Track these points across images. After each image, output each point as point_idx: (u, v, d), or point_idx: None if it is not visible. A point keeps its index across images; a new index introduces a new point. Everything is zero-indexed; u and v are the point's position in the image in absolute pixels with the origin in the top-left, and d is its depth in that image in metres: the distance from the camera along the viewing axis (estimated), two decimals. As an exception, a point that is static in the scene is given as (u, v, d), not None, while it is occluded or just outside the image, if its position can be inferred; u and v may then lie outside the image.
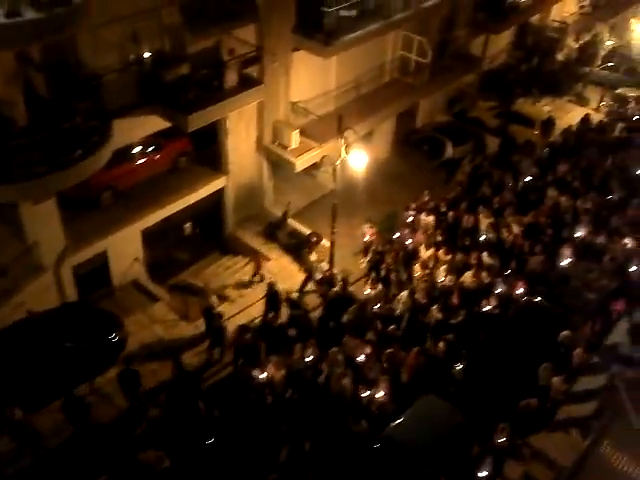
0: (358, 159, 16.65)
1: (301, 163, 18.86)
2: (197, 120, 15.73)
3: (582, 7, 31.47)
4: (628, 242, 17.44)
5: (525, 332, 14.92)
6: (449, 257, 17.71)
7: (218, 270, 19.56)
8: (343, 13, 17.96)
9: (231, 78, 16.17)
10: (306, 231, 19.81)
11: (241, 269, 19.60)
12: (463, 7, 23.42)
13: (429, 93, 23.42)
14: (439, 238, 18.51)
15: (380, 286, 17.01)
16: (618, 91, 28.77)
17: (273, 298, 16.74)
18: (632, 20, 31.74)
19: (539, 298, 16.20)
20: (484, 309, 15.80)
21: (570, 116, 27.33)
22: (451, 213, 19.18)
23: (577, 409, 8.86)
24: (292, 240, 19.88)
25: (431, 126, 25.44)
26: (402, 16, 19.27)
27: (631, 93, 28.64)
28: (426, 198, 19.96)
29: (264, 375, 14.07)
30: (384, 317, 16.05)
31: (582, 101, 29.09)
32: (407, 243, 18.50)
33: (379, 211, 20.86)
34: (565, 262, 17.11)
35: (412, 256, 18.18)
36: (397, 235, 19.00)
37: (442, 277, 17.03)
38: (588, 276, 17.21)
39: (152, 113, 15.94)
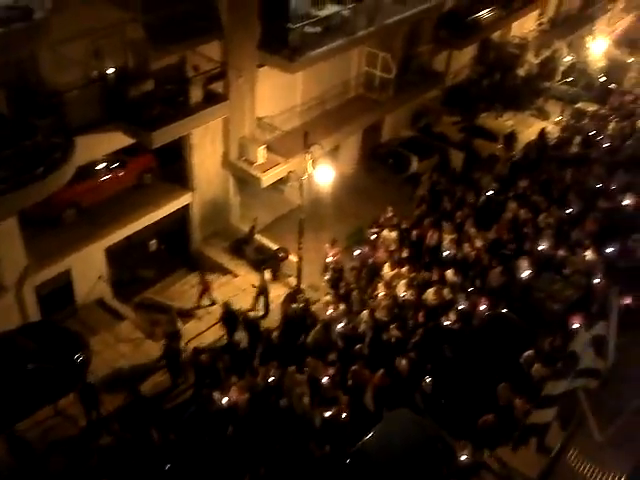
0: (324, 174, 16.73)
1: (267, 179, 18.85)
2: (161, 137, 15.65)
3: (541, 24, 32.33)
4: (588, 254, 17.74)
5: (489, 346, 14.86)
6: (412, 274, 17.55)
7: (184, 287, 19.36)
8: (308, 29, 18.11)
9: (196, 94, 16.16)
10: (273, 246, 19.78)
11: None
12: (426, 24, 23.77)
13: (394, 108, 23.67)
14: (403, 255, 18.40)
15: (342, 305, 16.69)
16: (577, 105, 29.55)
17: (230, 319, 16.41)
18: (588, 38, 32.63)
19: (504, 310, 16.37)
20: (445, 324, 15.73)
21: (532, 130, 27.91)
22: (415, 231, 19.10)
23: (539, 417, 8.94)
24: (260, 256, 19.80)
25: (397, 141, 25.68)
26: (366, 33, 19.48)
27: (589, 107, 29.45)
28: (390, 214, 19.94)
29: (226, 399, 13.65)
30: (347, 336, 15.71)
31: (543, 115, 29.77)
32: (369, 260, 18.33)
33: (346, 225, 20.98)
34: (524, 274, 17.23)
35: (374, 273, 17.99)
36: (358, 252, 18.88)
37: (403, 294, 16.82)
38: (552, 287, 17.51)
39: (116, 130, 15.82)
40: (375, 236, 19.27)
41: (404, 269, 17.69)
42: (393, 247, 18.68)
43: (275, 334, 16.24)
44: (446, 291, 16.65)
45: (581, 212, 19.73)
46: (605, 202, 20.10)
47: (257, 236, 20.22)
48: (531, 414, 9.71)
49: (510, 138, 26.10)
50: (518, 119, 28.83)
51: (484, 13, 25.78)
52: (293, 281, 19.04)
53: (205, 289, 18.09)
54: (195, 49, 16.40)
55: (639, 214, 19.67)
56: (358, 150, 24.62)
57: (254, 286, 18.29)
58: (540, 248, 18.19)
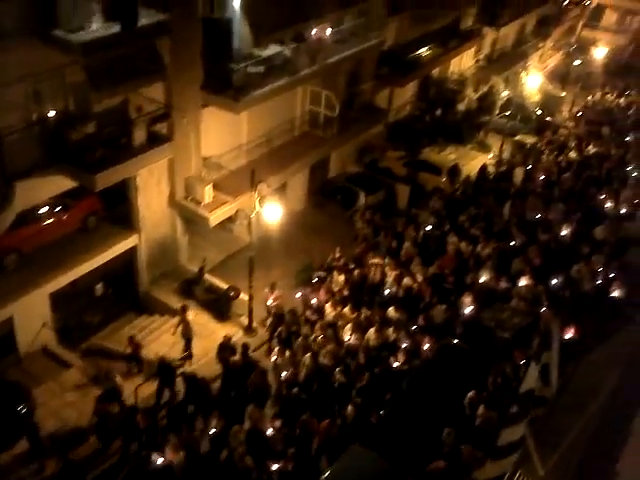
0: (272, 212, 16.77)
1: (215, 218, 18.77)
2: (105, 179, 15.47)
3: (478, 61, 33.61)
4: (529, 283, 18.04)
5: (439, 381, 14.59)
6: (355, 315, 17.05)
7: (133, 331, 18.91)
8: (251, 69, 18.33)
9: (139, 135, 16.05)
10: (224, 286, 19.59)
11: (157, 328, 19.05)
12: (367, 62, 24.38)
13: (339, 145, 24.03)
14: (345, 293, 18.08)
15: (283, 351, 15.96)
16: (516, 138, 30.62)
17: (166, 373, 15.76)
18: (522, 73, 34.06)
19: (455, 340, 16.49)
20: (393, 366, 15.24)
21: (474, 162, 28.73)
22: (357, 269, 18.81)
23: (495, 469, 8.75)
24: (210, 296, 19.58)
25: (344, 176, 26.03)
26: (308, 72, 19.81)
27: (528, 140, 30.57)
28: (337, 254, 19.64)
29: (161, 459, 12.67)
30: (289, 383, 15.10)
31: (484, 148, 30.74)
32: (311, 302, 17.84)
33: (297, 262, 20.97)
34: (467, 310, 17.03)
35: (316, 316, 17.50)
36: (299, 294, 18.42)
37: (347, 336, 16.28)
38: (500, 316, 17.78)
39: (58, 173, 15.57)
40: (317, 280, 18.77)
41: (346, 309, 17.25)
42: (339, 288, 18.30)
43: (215, 384, 15.65)
44: (390, 330, 16.21)
45: (522, 244, 19.91)
46: (544, 234, 20.41)
47: (207, 276, 20.01)
48: (485, 465, 9.50)
49: (453, 171, 26.80)
50: (460, 152, 29.66)
51: (423, 51, 26.68)
52: (244, 320, 18.89)
53: (135, 349, 17.07)
54: (138, 91, 16.36)
55: (578, 245, 20.19)
56: (306, 187, 24.82)
57: (175, 331, 17.63)
58: (481, 280, 18.13)
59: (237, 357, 16.04)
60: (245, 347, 16.09)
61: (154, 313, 19.68)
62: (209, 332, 18.62)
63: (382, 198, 24.84)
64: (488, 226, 21.08)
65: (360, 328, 16.43)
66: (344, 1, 19.85)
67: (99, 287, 18.87)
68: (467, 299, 17.21)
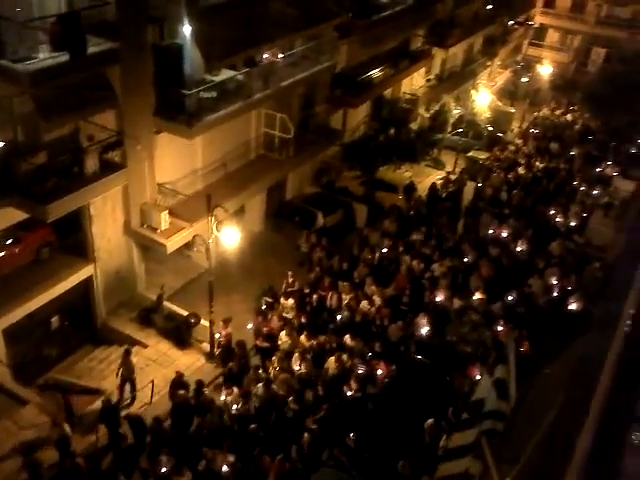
0: (230, 236, 16.69)
1: (172, 244, 18.56)
2: (57, 209, 15.22)
3: (428, 80, 34.29)
4: (482, 297, 18.32)
5: (403, 401, 14.77)
6: (310, 342, 16.86)
7: (91, 363, 18.52)
8: (204, 95, 18.29)
9: (91, 164, 15.88)
10: (184, 313, 19.35)
11: (117, 359, 18.63)
12: (320, 85, 24.63)
13: (295, 167, 24.13)
14: (302, 320, 17.87)
15: (232, 387, 15.49)
16: (469, 154, 31.26)
17: (109, 415, 15.20)
18: (472, 91, 34.91)
19: (418, 356, 16.60)
20: (348, 394, 15.13)
21: (429, 179, 29.23)
22: (314, 295, 18.58)
23: (450, 469, 8.90)
24: (170, 323, 19.29)
25: (301, 198, 26.10)
26: (262, 96, 19.85)
27: (481, 156, 31.22)
28: (290, 279, 19.44)
29: None
30: (242, 418, 14.74)
31: (438, 165, 31.31)
32: (263, 330, 17.57)
33: (257, 285, 20.83)
34: (423, 330, 17.13)
35: (269, 345, 17.25)
36: (250, 325, 18.09)
37: (297, 366, 16.04)
38: (462, 330, 18.00)
39: (8, 205, 15.23)
40: (266, 306, 18.57)
41: (302, 337, 16.96)
42: (290, 315, 18.06)
43: (165, 424, 15.01)
44: (345, 357, 16.07)
45: (475, 261, 20.22)
46: (496, 249, 20.73)
47: (166, 303, 19.74)
48: (440, 467, 9.68)
49: (409, 189, 27.16)
50: (415, 170, 30.10)
51: (374, 72, 27.10)
52: (206, 347, 18.65)
53: (67, 407, 16.22)
54: (88, 119, 16.19)
55: (531, 261, 20.60)
56: (264, 209, 24.79)
57: (118, 373, 16.78)
58: (437, 299, 18.30)
59: (191, 395, 15.52)
60: (199, 384, 15.60)
61: (113, 344, 19.27)
62: (170, 361, 18.32)
63: (340, 218, 24.98)
64: (440, 244, 21.24)
65: (312, 356, 16.17)
66: (294, 26, 20.02)
67: (55, 320, 18.44)
68: (422, 320, 17.29)
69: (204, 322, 18.74)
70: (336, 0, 22.41)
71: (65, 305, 18.39)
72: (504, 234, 21.95)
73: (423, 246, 21.06)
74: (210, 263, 17.36)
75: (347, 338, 16.91)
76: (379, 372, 15.83)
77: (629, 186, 28.09)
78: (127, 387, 16.83)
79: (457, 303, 18.23)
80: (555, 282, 19.19)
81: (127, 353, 16.91)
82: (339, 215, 25.15)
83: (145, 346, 18.79)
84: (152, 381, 16.90)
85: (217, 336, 17.88)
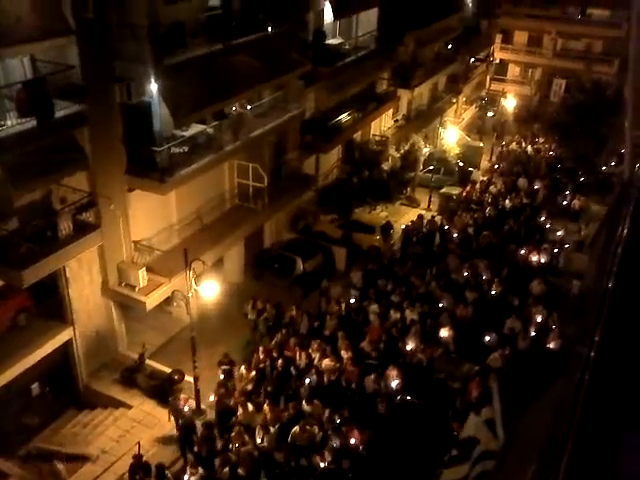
0: (210, 289, 16.61)
1: (151, 301, 18.38)
2: (32, 274, 15.08)
3: (396, 121, 34.92)
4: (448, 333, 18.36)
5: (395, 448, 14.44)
6: (274, 412, 15.92)
7: (75, 429, 18.11)
8: (175, 150, 18.42)
9: (65, 226, 15.81)
10: (167, 370, 19.04)
11: (101, 423, 18.23)
12: (291, 132, 24.95)
13: (271, 214, 24.21)
14: (268, 389, 16.92)
15: (200, 469, 14.57)
16: (442, 190, 31.66)
17: None
18: (440, 128, 35.58)
19: (408, 397, 16.39)
20: (320, 466, 14.24)
21: (405, 217, 29.50)
22: (280, 361, 17.60)
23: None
24: (153, 382, 18.95)
25: (279, 245, 26.13)
26: (232, 147, 20.04)
27: (453, 191, 31.62)
28: (261, 355, 18.14)
29: None
30: None
31: (413, 203, 31.64)
32: (226, 403, 16.72)
33: (239, 336, 20.66)
34: (394, 384, 16.61)
35: (231, 419, 16.29)
36: (213, 398, 17.23)
37: (259, 441, 15.19)
38: (448, 367, 17.92)
39: (-19, 273, 15.04)
40: (224, 376, 17.67)
41: (265, 407, 16.10)
42: (250, 387, 17.25)
43: None
44: (315, 427, 15.08)
45: (449, 304, 19.90)
46: (472, 293, 20.51)
47: (148, 362, 19.44)
48: None
49: (386, 228, 27.35)
50: (391, 210, 30.38)
51: (343, 117, 27.55)
52: (192, 403, 18.30)
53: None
54: (60, 182, 16.18)
55: (507, 301, 20.52)
56: (242, 259, 24.73)
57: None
58: (408, 348, 17.90)
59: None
60: (159, 468, 14.73)
61: (96, 407, 18.88)
62: (155, 421, 17.96)
63: (320, 262, 24.97)
64: (408, 291, 20.90)
65: (280, 427, 15.35)
66: (260, 77, 20.35)
67: (35, 386, 18.07)
68: (393, 372, 16.78)
69: (188, 378, 18.43)
70: (299, 50, 22.90)
71: (45, 371, 18.03)
72: (478, 276, 21.63)
73: (392, 294, 20.61)
74: (191, 317, 17.20)
75: (314, 405, 15.97)
76: (352, 441, 14.82)
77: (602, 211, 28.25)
78: None
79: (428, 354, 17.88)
80: (540, 320, 19.01)
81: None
82: (318, 259, 25.15)
83: (129, 407, 18.40)
84: (138, 443, 16.48)
85: (211, 399, 17.29)
